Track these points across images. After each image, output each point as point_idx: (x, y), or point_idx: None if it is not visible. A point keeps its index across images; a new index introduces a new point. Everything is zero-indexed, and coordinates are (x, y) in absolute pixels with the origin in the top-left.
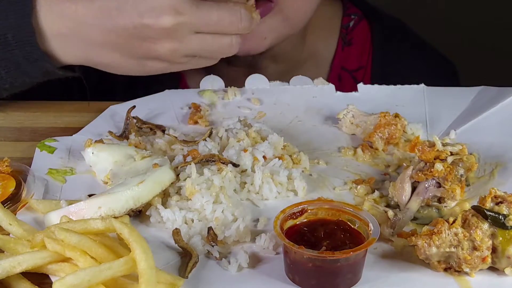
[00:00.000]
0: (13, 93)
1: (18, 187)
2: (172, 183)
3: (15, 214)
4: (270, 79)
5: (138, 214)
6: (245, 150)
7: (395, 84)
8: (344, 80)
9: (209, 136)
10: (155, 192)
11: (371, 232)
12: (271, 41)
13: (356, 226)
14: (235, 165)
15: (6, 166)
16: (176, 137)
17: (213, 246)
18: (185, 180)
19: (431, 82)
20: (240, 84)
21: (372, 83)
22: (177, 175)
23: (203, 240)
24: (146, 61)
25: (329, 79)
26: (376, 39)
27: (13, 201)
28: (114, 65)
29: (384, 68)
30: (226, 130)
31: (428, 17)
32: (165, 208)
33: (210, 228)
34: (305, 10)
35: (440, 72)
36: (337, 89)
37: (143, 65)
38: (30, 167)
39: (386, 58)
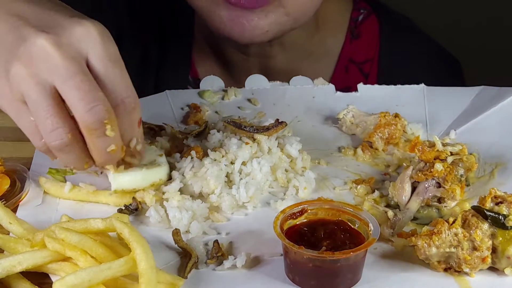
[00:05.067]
0: None
1: (13, 185)
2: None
3: None
4: (279, 68)
5: (135, 212)
6: (246, 143)
7: (400, 78)
8: (351, 72)
9: (204, 129)
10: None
11: (371, 232)
12: (274, 34)
13: (356, 226)
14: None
15: (0, 165)
16: (172, 127)
17: (217, 258)
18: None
19: (436, 78)
20: (250, 71)
21: (378, 76)
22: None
23: (206, 248)
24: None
25: (336, 71)
26: (384, 33)
27: (7, 198)
28: None
29: (390, 62)
30: (224, 123)
31: (431, 16)
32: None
33: (215, 241)
34: (306, 4)
35: (445, 69)
36: (344, 80)
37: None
38: (30, 167)
39: (393, 52)
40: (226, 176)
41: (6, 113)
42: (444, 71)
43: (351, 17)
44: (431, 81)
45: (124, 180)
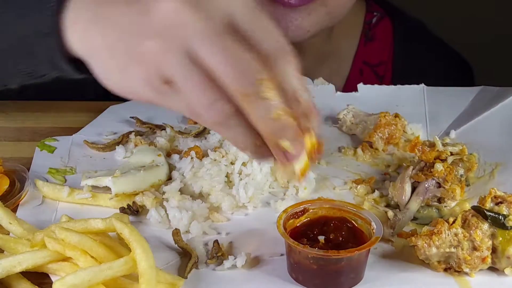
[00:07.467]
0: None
1: (12, 186)
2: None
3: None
4: None
5: (136, 213)
6: None
7: (414, 81)
8: (365, 74)
9: (204, 129)
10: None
11: (374, 231)
12: (313, 34)
13: (358, 224)
14: None
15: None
16: (172, 127)
17: (217, 258)
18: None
19: (448, 80)
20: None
21: (393, 78)
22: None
23: (206, 248)
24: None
25: (351, 73)
26: (398, 35)
27: (6, 199)
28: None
29: (405, 65)
30: None
31: (437, 18)
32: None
33: (215, 241)
34: (346, 3)
35: (457, 73)
36: (359, 83)
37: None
38: (30, 167)
39: (406, 55)
40: (226, 176)
41: (146, 101)
42: (456, 75)
43: (364, 19)
44: (444, 84)
45: (124, 183)
